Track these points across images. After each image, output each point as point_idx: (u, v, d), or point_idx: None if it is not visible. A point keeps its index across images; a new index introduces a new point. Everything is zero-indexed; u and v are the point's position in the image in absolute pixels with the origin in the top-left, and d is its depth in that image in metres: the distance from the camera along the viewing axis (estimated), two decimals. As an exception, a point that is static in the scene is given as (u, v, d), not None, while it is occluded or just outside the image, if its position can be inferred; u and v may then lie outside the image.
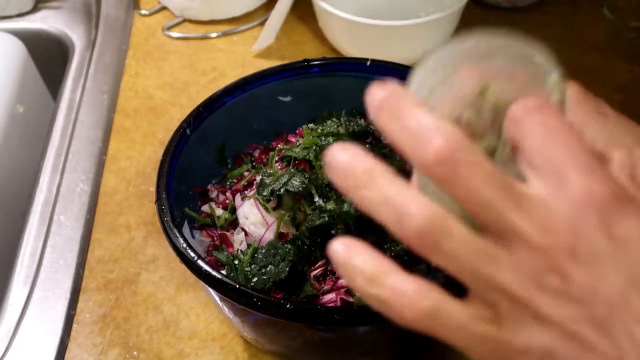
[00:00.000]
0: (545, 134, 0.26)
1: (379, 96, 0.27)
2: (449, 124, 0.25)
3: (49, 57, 0.90)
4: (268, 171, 0.51)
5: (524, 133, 0.26)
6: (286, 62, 0.59)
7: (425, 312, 0.26)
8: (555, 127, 0.26)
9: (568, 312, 0.25)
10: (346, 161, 0.26)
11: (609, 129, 0.31)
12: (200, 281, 0.42)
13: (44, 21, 0.90)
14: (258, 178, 0.50)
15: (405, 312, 0.26)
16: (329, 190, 0.47)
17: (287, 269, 0.45)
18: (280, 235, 0.47)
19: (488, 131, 0.30)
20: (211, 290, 0.43)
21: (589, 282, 0.25)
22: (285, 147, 0.53)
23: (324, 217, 0.45)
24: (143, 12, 0.91)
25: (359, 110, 0.56)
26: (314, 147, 0.49)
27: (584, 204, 0.24)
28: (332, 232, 0.46)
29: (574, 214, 0.25)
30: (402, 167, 0.50)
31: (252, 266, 0.46)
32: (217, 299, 0.46)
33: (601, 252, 0.24)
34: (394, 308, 0.26)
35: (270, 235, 0.48)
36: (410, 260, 0.46)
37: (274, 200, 0.48)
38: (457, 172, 0.25)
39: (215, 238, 0.51)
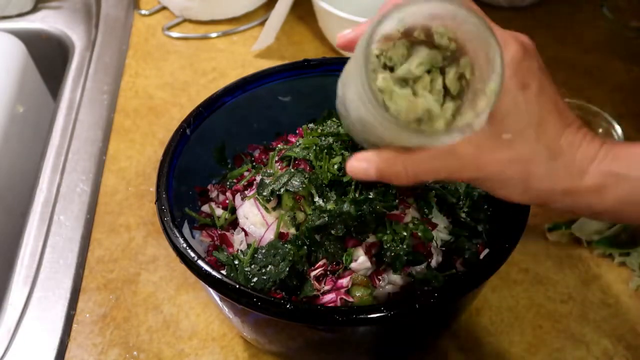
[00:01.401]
0: None
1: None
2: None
3: (49, 57, 0.90)
4: (268, 171, 0.50)
5: None
6: (286, 62, 0.59)
7: None
8: None
9: None
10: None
11: None
12: (200, 281, 0.42)
13: (44, 21, 0.90)
14: (258, 178, 0.50)
15: None
16: (329, 190, 0.47)
17: (287, 269, 0.45)
18: (280, 235, 0.47)
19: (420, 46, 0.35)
20: (211, 290, 0.43)
21: None
22: (285, 147, 0.53)
23: (324, 217, 0.45)
24: (143, 12, 0.91)
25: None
26: (314, 147, 0.49)
27: None
28: (332, 232, 0.46)
29: None
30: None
31: (252, 266, 0.46)
32: (217, 299, 0.46)
33: None
34: None
35: (270, 235, 0.48)
36: (410, 260, 0.46)
37: (274, 200, 0.48)
38: None
39: (215, 238, 0.51)
